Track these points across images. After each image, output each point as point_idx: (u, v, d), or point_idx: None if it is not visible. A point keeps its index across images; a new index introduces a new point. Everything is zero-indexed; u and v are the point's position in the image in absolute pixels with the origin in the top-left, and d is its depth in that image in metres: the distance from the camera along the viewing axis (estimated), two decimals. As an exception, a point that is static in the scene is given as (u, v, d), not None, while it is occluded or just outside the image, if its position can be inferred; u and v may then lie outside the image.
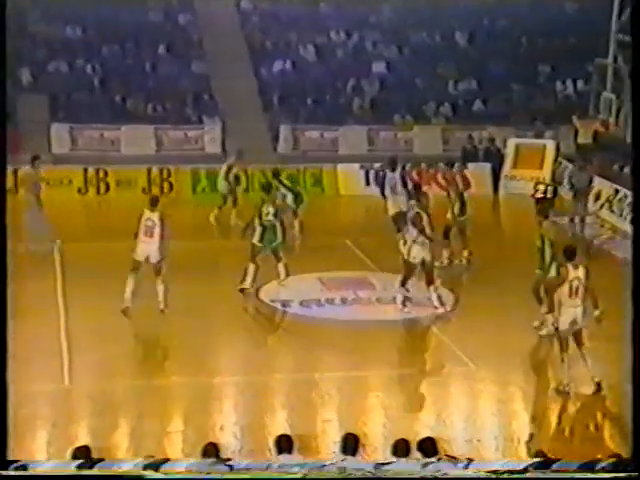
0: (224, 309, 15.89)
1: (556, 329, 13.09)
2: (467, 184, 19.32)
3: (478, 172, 25.07)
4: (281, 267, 16.83)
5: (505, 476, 7.25)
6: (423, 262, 15.94)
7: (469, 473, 7.60)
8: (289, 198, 20.03)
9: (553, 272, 14.68)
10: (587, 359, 13.01)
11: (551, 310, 13.68)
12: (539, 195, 23.05)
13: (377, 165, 25.32)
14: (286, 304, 16.35)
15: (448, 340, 14.94)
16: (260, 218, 16.61)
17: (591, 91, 28.46)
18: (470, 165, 25.13)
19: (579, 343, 13.05)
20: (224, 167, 21.78)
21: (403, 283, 16.06)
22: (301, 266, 17.33)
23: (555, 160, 25.15)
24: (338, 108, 28.92)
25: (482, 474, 7.51)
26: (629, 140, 25.91)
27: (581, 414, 12.85)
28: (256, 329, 15.84)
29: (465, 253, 18.76)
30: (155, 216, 15.35)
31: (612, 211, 22.82)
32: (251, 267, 16.62)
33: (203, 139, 26.71)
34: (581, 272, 13.03)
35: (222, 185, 21.61)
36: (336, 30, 31.00)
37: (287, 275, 16.84)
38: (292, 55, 30.24)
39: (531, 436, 11.97)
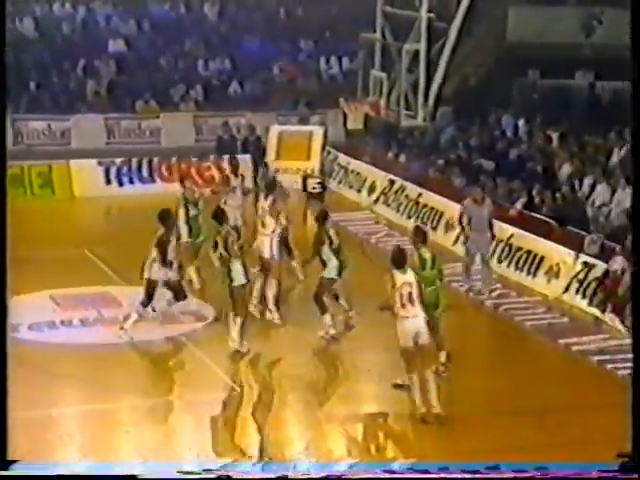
0: None
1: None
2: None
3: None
4: None
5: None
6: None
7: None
8: None
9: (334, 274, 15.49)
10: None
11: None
12: (310, 190, 23.55)
13: (119, 160, 25.04)
14: (10, 329, 15.71)
15: (209, 360, 14.92)
16: None
17: (358, 70, 29.33)
18: (227, 157, 25.40)
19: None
20: None
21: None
22: (29, 283, 16.78)
23: (323, 149, 25.72)
24: (68, 94, 28.41)
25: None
26: (404, 123, 27.03)
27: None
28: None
29: None
30: None
31: (388, 205, 23.53)
32: None
33: None
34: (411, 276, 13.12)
35: None
36: (60, 1, 30.46)
37: None
38: (6, 30, 29.35)
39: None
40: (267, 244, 16.24)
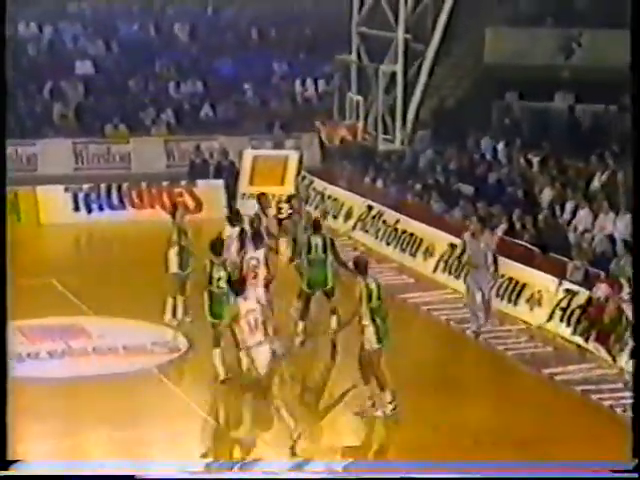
0: None
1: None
2: None
3: (209, 190, 25.18)
4: None
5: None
6: None
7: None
8: None
9: None
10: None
11: None
12: (282, 216, 23.39)
13: (87, 186, 24.87)
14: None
15: (181, 392, 14.85)
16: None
17: (334, 92, 29.33)
18: (200, 182, 25.25)
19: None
20: None
21: None
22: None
23: (298, 174, 25.62)
24: (34, 117, 28.23)
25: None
26: (381, 147, 27.02)
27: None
28: None
29: None
30: None
31: (366, 231, 23.44)
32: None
33: None
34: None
35: None
36: (25, 22, 30.39)
37: None
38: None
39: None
40: (261, 292, 15.44)
